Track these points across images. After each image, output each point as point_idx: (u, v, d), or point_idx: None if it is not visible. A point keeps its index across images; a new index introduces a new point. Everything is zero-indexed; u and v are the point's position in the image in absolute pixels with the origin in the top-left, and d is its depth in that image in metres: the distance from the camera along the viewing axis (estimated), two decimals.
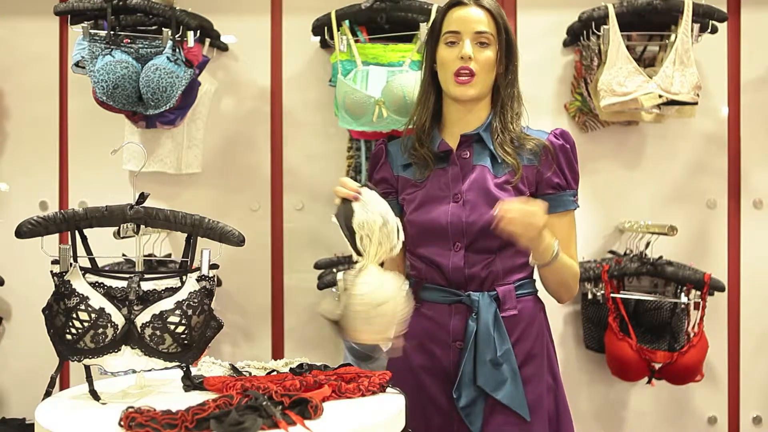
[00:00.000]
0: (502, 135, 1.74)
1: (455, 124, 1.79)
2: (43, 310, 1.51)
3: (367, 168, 1.75)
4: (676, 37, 2.53)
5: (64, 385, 2.79)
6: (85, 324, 1.47)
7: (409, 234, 1.78)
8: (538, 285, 1.83)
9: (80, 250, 1.58)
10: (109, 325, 1.49)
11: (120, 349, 1.52)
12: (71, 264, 1.53)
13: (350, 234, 1.55)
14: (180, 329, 1.52)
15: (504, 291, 1.73)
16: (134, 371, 1.59)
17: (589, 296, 2.68)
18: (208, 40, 2.68)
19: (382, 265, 1.57)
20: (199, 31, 2.52)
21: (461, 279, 1.74)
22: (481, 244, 1.72)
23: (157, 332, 1.51)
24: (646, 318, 2.67)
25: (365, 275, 1.52)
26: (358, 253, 1.55)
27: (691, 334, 2.60)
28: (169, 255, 2.64)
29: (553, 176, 1.74)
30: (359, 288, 1.50)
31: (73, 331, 1.48)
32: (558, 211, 1.74)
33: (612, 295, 2.60)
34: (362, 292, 1.49)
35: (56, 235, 1.60)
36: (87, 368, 1.59)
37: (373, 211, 1.54)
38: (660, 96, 2.49)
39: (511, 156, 1.73)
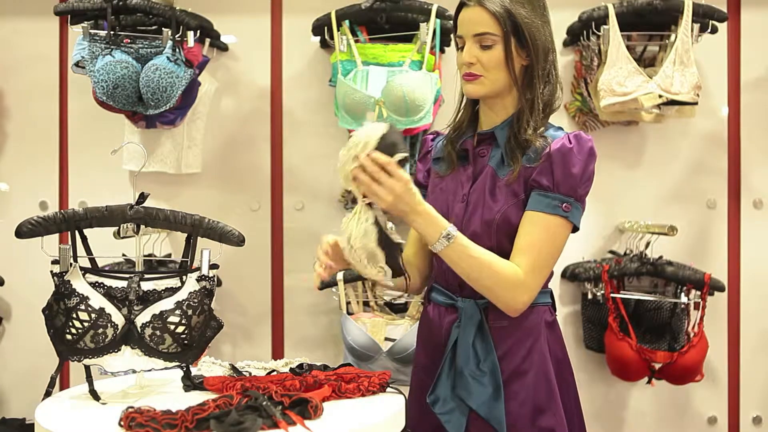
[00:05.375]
0: (516, 137, 1.65)
1: (484, 123, 1.74)
2: (43, 310, 1.51)
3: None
4: (676, 37, 2.53)
5: (64, 385, 2.79)
6: (85, 324, 1.47)
7: None
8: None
9: (80, 250, 1.58)
10: (109, 325, 1.49)
11: (120, 349, 1.52)
12: (71, 264, 1.53)
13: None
14: (180, 329, 1.52)
15: None
16: (134, 371, 1.59)
17: (589, 296, 2.67)
18: (208, 40, 2.68)
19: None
20: (199, 31, 2.52)
21: (454, 283, 1.70)
22: None
23: (157, 332, 1.51)
24: (646, 318, 2.67)
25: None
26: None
27: (691, 334, 2.59)
28: (169, 255, 2.64)
29: (539, 175, 1.62)
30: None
31: (73, 331, 1.48)
32: (533, 209, 1.61)
33: (612, 295, 2.60)
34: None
35: (56, 235, 1.60)
36: (87, 368, 1.59)
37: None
38: (660, 96, 2.49)
39: (515, 157, 1.65)
